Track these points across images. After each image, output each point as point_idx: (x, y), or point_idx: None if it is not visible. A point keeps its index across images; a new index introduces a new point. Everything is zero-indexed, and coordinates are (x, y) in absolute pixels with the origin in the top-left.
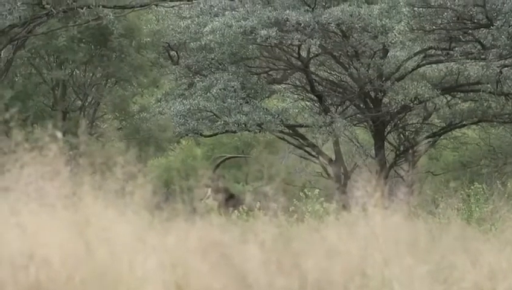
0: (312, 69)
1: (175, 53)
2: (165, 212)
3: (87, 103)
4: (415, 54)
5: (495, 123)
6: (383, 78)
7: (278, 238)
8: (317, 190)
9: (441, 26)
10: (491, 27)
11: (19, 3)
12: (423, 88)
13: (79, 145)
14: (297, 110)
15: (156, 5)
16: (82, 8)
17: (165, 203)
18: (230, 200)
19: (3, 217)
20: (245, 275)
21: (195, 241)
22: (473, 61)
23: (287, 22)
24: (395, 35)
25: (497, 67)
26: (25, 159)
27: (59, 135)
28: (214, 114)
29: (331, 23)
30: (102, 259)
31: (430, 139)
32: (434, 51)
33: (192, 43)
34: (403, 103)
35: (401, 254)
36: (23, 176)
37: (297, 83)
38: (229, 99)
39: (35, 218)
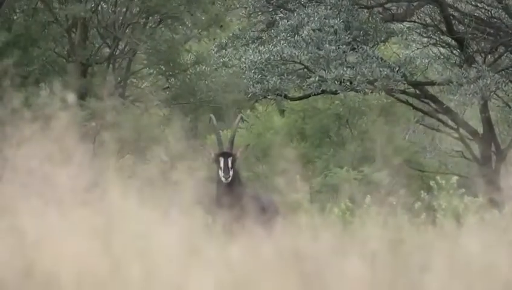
0: (449, 0)
1: None
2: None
3: (118, 52)
4: None
5: None
6: None
7: (395, 249)
8: (455, 178)
9: None
10: None
11: None
12: None
13: (104, 113)
14: (427, 61)
15: None
16: None
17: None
18: (258, 209)
19: None
20: None
21: (271, 253)
22: None
23: None
24: None
25: None
26: (25, 133)
27: (72, 97)
28: (305, 66)
29: None
30: (136, 280)
31: None
32: None
33: None
34: None
35: None
36: (21, 159)
37: (428, 20)
38: (326, 45)
39: (38, 220)
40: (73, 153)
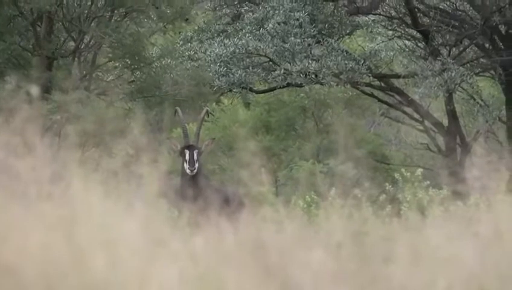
0: None
1: None
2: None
3: (83, 45)
4: None
5: None
6: None
7: (359, 241)
8: (420, 170)
9: None
10: None
11: None
12: None
13: (69, 106)
14: (392, 54)
15: None
16: None
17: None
18: (219, 201)
19: None
20: None
21: (234, 245)
22: None
23: None
24: None
25: None
26: None
27: (35, 90)
28: (270, 60)
29: None
30: (100, 270)
31: None
32: None
33: None
34: None
35: None
36: None
37: (393, 13)
38: (291, 38)
39: (1, 212)
40: (37, 146)
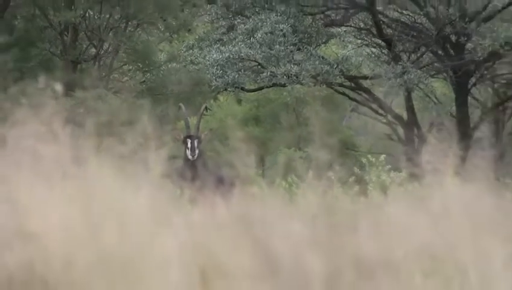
0: (379, 8)
1: None
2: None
3: (102, 51)
4: None
5: None
6: (467, 19)
7: (331, 215)
8: (383, 156)
9: None
10: None
11: None
12: None
13: (89, 101)
14: (361, 59)
15: None
16: None
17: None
18: (216, 182)
19: None
20: (280, 256)
21: (226, 219)
22: None
23: None
24: None
25: None
26: (18, 117)
27: (58, 87)
28: (259, 64)
29: None
30: (111, 239)
31: None
32: None
33: None
34: (491, 48)
35: (479, 234)
36: (16, 138)
37: (361, 25)
38: (277, 46)
39: (28, 189)
40: (61, 135)
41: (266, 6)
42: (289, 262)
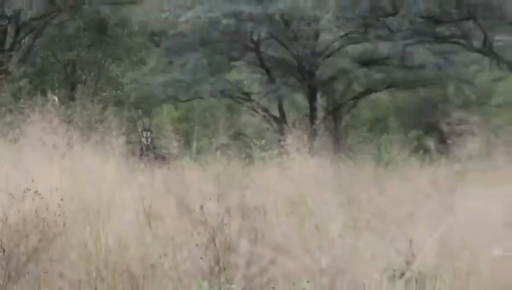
0: (262, 49)
1: (157, 38)
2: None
3: (90, 77)
4: (340, 37)
5: (400, 88)
6: (316, 56)
7: (231, 176)
8: (263, 141)
9: (359, 15)
10: (397, 15)
11: (38, 1)
12: (346, 63)
13: (78, 108)
14: (250, 81)
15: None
16: (85, 4)
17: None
18: (159, 159)
19: (13, 163)
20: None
21: (163, 181)
22: (383, 41)
23: (242, 14)
24: (325, 22)
25: (402, 46)
26: (33, 118)
27: (56, 99)
28: (188, 84)
29: (276, 14)
30: (90, 195)
31: (351, 101)
32: (354, 34)
33: (170, 30)
34: (331, 74)
35: (322, 189)
36: (30, 131)
37: (251, 60)
38: (198, 73)
39: (37, 164)
40: (59, 130)
41: (192, 48)
42: (197, 207)
